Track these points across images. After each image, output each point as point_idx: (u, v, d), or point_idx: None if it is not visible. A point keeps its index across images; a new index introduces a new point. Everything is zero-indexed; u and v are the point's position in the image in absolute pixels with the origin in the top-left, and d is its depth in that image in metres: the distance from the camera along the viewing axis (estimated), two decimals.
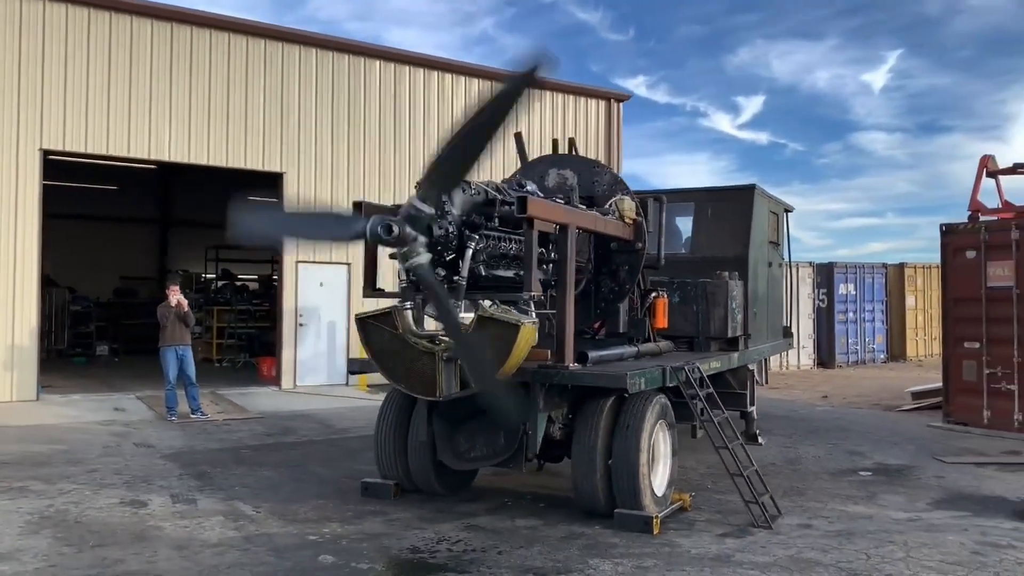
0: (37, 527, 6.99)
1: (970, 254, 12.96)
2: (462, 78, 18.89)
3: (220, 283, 25.56)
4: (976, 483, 9.36)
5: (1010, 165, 13.83)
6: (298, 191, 16.65)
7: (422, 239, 6.43)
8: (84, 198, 25.80)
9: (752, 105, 62.07)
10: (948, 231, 13.33)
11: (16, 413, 12.99)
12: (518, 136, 9.26)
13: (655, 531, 7.00)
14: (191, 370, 13.11)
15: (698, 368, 8.06)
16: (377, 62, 17.79)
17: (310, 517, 7.49)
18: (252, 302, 23.12)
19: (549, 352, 7.39)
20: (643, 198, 8.86)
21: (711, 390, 8.01)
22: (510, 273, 7.32)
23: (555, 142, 9.45)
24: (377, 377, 16.63)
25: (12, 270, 14.07)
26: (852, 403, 16.58)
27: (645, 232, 8.56)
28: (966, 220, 13.46)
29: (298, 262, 16.68)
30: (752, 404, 11.14)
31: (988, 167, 13.66)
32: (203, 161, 15.83)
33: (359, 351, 16.52)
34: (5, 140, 14.04)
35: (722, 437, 7.66)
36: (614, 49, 58.06)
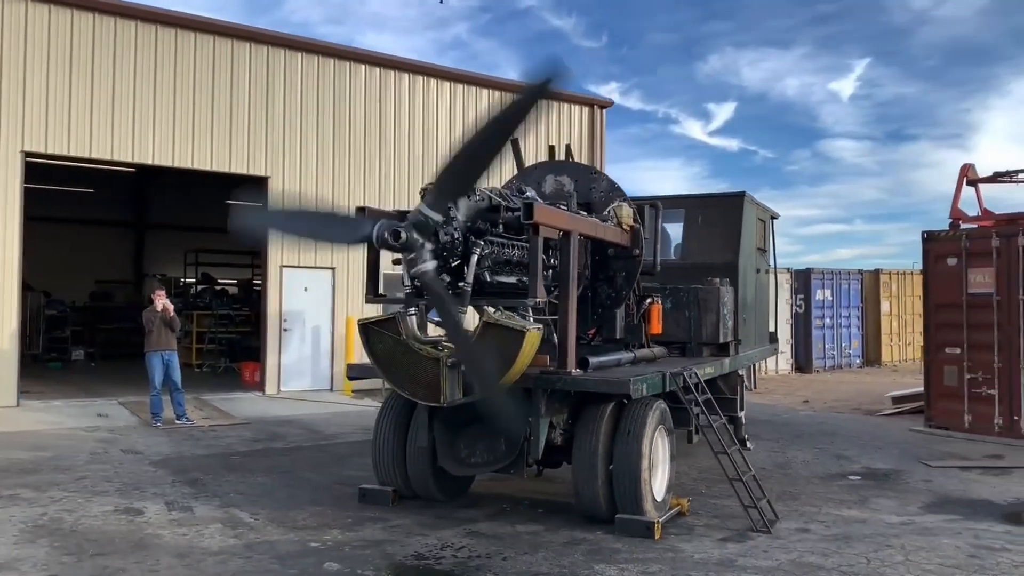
0: (33, 536, 6.89)
1: (951, 261, 13.18)
2: (447, 83, 18.91)
3: (200, 287, 25.28)
4: (963, 487, 9.51)
5: (990, 174, 14.09)
6: (283, 195, 16.54)
7: (428, 246, 6.44)
8: (58, 201, 25.41)
9: (723, 112, 62.75)
10: (930, 238, 13.55)
11: None
12: (515, 142, 9.26)
13: (656, 536, 7.05)
14: (177, 375, 12.96)
15: (696, 374, 8.13)
16: (362, 66, 17.75)
17: (309, 524, 7.45)
18: (232, 306, 22.89)
19: (548, 358, 7.43)
20: (639, 205, 8.92)
21: (709, 395, 8.08)
22: (513, 279, 7.34)
23: (552, 148, 9.47)
24: (362, 383, 16.63)
25: None
26: (833, 407, 16.77)
27: (642, 239, 8.62)
28: (947, 228, 13.69)
29: (282, 266, 16.59)
30: (742, 409, 11.24)
31: (968, 176, 13.91)
32: (187, 164, 15.69)
33: (346, 356, 16.58)
34: None
35: (721, 443, 7.73)
36: (587, 56, 58.36)
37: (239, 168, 16.25)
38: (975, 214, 13.98)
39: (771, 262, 13.42)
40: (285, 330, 16.68)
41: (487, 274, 6.94)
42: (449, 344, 7.12)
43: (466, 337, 6.44)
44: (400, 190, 17.77)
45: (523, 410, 6.97)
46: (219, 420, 13.45)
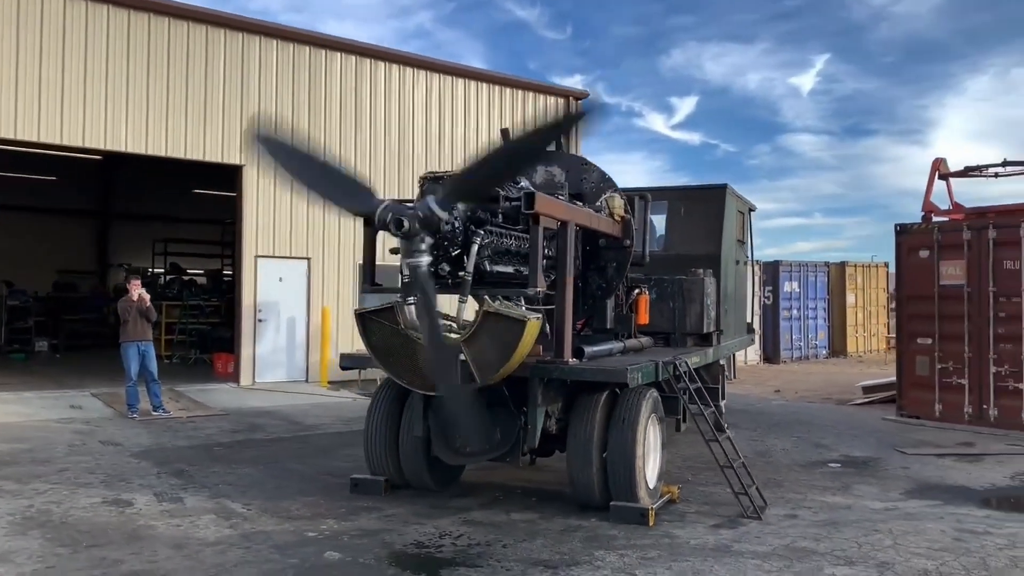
0: (23, 528, 6.77)
1: (923, 253, 13.47)
2: (422, 72, 18.80)
3: (168, 277, 24.91)
4: (940, 473, 9.75)
5: (961, 168, 14.41)
6: (257, 184, 16.38)
7: (428, 239, 6.41)
8: (19, 189, 24.94)
9: (686, 106, 63.44)
10: (903, 231, 13.82)
11: None
12: (505, 132, 9.26)
13: (651, 523, 7.13)
14: (153, 366, 12.77)
15: (687, 363, 8.23)
16: (338, 55, 17.58)
17: (303, 514, 7.41)
18: (202, 297, 22.60)
19: (540, 348, 7.47)
20: (629, 196, 8.98)
21: (699, 384, 8.18)
22: (510, 269, 7.35)
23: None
24: (338, 374, 16.52)
25: None
26: (804, 397, 17.06)
27: (633, 229, 8.68)
28: (919, 221, 13.98)
29: (257, 256, 16.42)
30: (723, 398, 11.39)
31: (940, 170, 14.21)
32: (161, 152, 15.43)
33: (322, 347, 16.46)
34: None
35: (712, 431, 7.84)
36: (551, 47, 58.61)
37: (213, 156, 16.03)
38: (946, 208, 14.29)
39: (748, 253, 13.61)
40: (260, 321, 16.52)
41: (487, 263, 6.95)
42: (449, 334, 7.13)
43: (440, 340, 6.44)
44: (376, 178, 17.58)
45: (480, 428, 7.06)
46: (196, 411, 13.29)
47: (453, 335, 6.80)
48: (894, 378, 14.54)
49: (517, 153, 6.07)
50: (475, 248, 6.64)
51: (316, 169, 6.99)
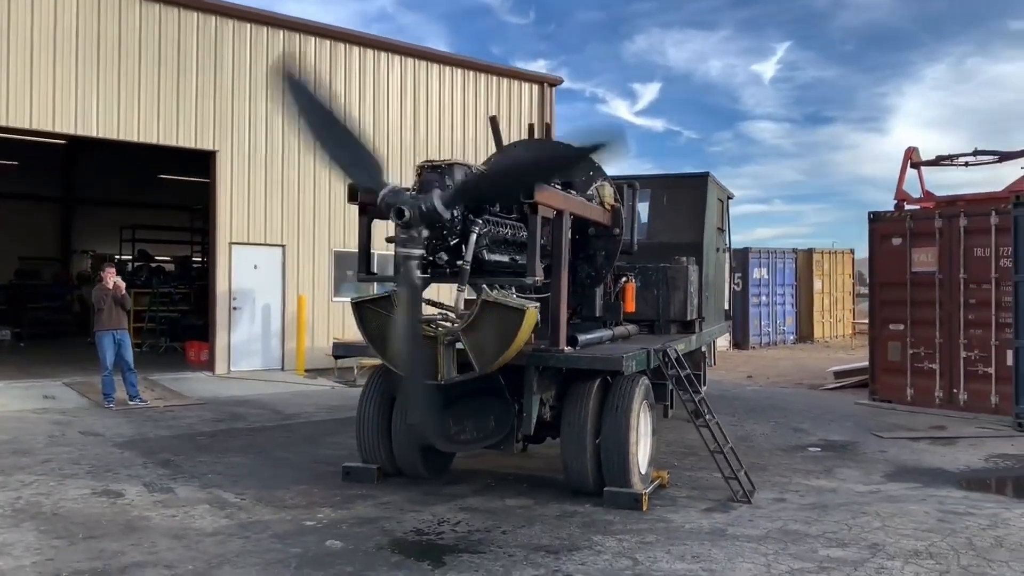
0: (15, 520, 6.68)
1: (896, 241, 13.74)
2: (397, 57, 18.67)
3: (136, 264, 24.51)
4: (916, 456, 10.00)
5: (933, 157, 14.70)
6: (231, 170, 16.19)
7: (425, 232, 6.38)
8: None
9: (649, 92, 63.75)
10: (876, 219, 14.09)
11: None
12: (493, 120, 9.29)
13: (644, 508, 7.23)
14: (129, 355, 12.60)
15: (676, 350, 8.33)
16: (312, 39, 17.40)
17: (298, 503, 7.40)
18: (172, 284, 22.27)
19: (533, 336, 7.50)
20: (618, 184, 9.04)
21: (688, 371, 8.29)
22: (506, 258, 7.37)
23: (531, 126, 9.51)
24: (316, 362, 16.43)
25: None
26: (776, 383, 17.34)
27: (622, 218, 8.75)
28: (892, 209, 14.26)
29: (231, 243, 16.23)
30: (704, 384, 11.54)
31: (912, 159, 14.48)
32: (132, 137, 15.18)
33: (298, 335, 16.34)
34: None
35: (704, 415, 7.96)
36: (514, 32, 58.51)
37: (186, 142, 15.80)
38: (918, 196, 14.58)
39: (727, 241, 13.77)
40: (235, 308, 16.35)
41: (484, 252, 6.95)
42: (445, 323, 7.15)
43: (416, 335, 6.43)
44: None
45: (434, 428, 7.23)
46: (173, 401, 13.15)
47: (452, 324, 6.81)
48: (865, 363, 14.84)
49: (526, 173, 6.06)
50: (474, 237, 6.64)
51: (333, 127, 6.72)
